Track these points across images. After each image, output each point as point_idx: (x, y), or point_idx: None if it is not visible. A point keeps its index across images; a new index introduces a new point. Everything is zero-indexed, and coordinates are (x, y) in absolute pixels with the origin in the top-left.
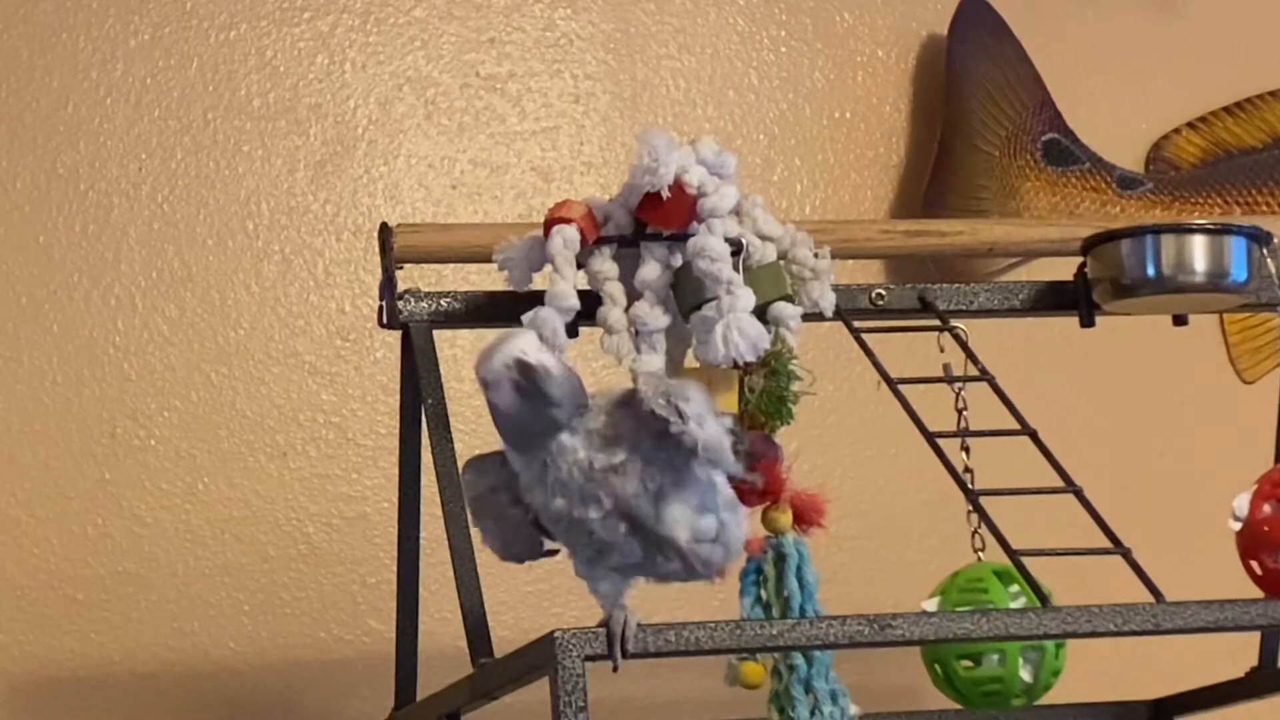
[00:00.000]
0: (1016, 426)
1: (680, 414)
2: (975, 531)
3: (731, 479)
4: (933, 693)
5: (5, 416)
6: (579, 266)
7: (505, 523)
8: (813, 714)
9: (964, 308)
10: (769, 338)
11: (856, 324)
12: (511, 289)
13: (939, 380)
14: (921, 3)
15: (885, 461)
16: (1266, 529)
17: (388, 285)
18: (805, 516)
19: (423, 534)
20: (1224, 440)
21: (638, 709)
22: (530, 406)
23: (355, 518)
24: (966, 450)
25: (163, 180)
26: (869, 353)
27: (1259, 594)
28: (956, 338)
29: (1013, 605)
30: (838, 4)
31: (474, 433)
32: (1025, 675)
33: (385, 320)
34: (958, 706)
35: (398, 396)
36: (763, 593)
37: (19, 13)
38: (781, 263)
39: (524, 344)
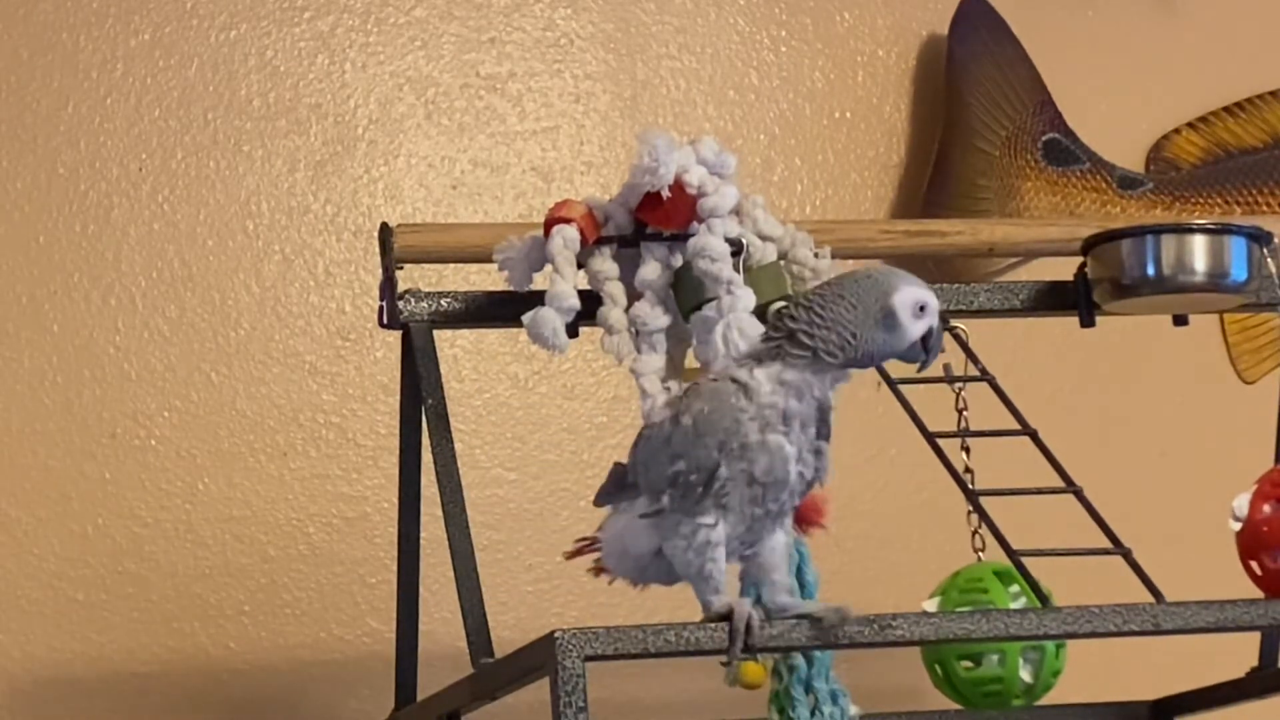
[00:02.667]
0: (1016, 426)
1: None
2: (975, 531)
3: None
4: (933, 693)
5: (5, 416)
6: (579, 266)
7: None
8: (813, 714)
9: (964, 308)
10: None
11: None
12: (511, 289)
13: (939, 380)
14: (921, 3)
15: (885, 461)
16: (1266, 529)
17: (388, 285)
18: (805, 516)
19: (423, 534)
20: (1224, 440)
21: (638, 709)
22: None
23: (355, 518)
24: (966, 450)
25: (163, 180)
26: None
27: (1259, 594)
28: (956, 338)
29: (1013, 605)
30: (838, 4)
31: (474, 433)
32: (1025, 675)
33: (385, 320)
34: (958, 706)
35: (398, 396)
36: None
37: (19, 13)
38: (781, 263)
39: None
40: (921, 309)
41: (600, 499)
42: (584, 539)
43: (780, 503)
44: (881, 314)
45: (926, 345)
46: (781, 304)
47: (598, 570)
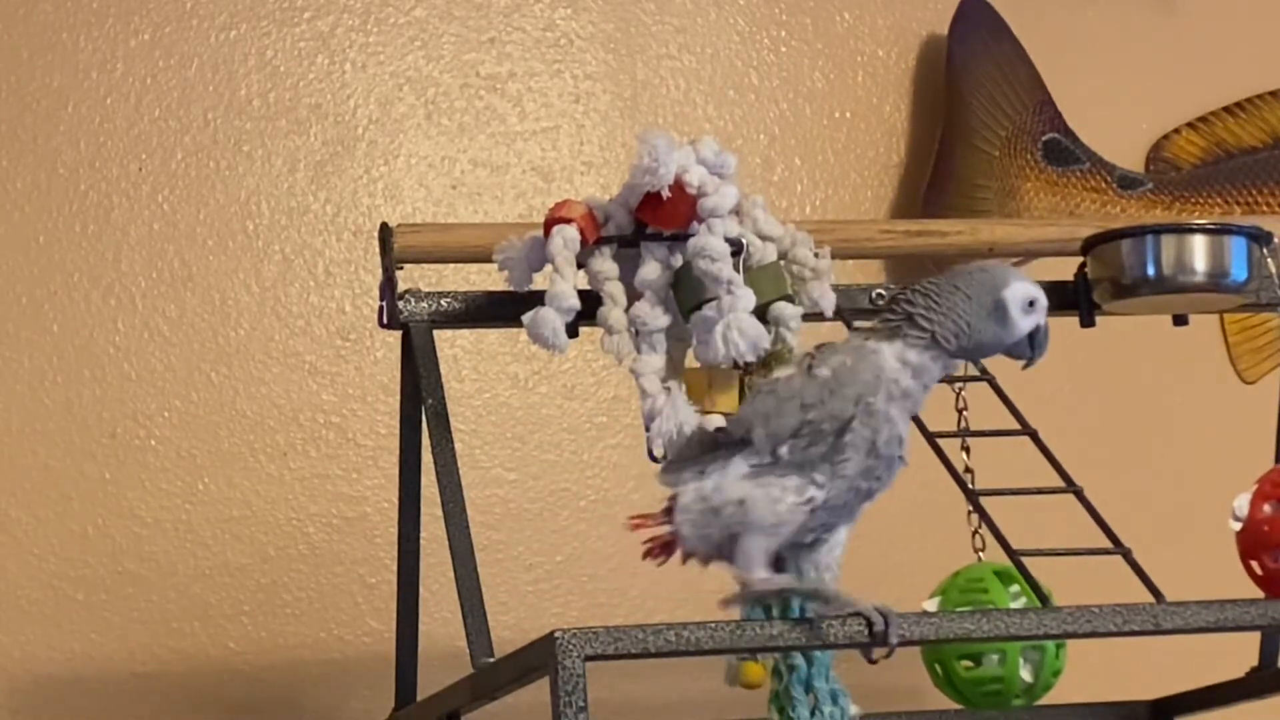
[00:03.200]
0: (1016, 426)
1: None
2: (975, 531)
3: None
4: (933, 693)
5: (5, 416)
6: (579, 266)
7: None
8: (813, 714)
9: None
10: (769, 338)
11: (856, 324)
12: (511, 289)
13: (938, 380)
14: (921, 3)
15: None
16: (1266, 529)
17: (388, 285)
18: None
19: (423, 534)
20: (1224, 440)
21: (638, 709)
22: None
23: (355, 518)
24: (966, 450)
25: (163, 180)
26: None
27: (1259, 594)
28: None
29: (1013, 605)
30: (838, 4)
31: (474, 433)
32: (1025, 675)
33: (385, 320)
34: (958, 706)
35: (398, 396)
36: None
37: (19, 13)
38: (781, 263)
39: None
40: (1031, 304)
41: (672, 467)
42: (644, 514)
43: (880, 482)
44: (993, 306)
45: (1034, 342)
46: (896, 290)
47: (655, 549)
